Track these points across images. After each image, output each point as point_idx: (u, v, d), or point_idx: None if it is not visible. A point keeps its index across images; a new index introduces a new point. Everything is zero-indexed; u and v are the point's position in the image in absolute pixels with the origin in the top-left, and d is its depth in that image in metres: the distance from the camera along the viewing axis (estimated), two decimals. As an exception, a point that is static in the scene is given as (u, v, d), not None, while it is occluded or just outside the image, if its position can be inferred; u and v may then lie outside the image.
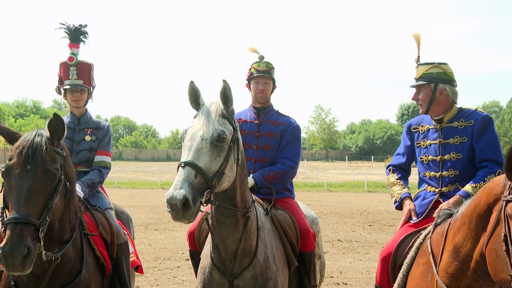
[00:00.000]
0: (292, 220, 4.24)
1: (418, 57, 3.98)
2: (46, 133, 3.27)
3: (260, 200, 4.22)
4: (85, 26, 4.62)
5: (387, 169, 4.25)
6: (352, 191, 28.24)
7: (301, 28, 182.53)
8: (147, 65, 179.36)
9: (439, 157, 3.86)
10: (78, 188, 4.04)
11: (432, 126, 3.94)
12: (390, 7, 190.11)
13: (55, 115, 3.25)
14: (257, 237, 3.76)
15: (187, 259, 9.50)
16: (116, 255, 4.05)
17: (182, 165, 3.16)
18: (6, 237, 2.91)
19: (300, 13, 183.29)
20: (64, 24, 4.57)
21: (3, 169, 3.15)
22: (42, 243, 3.02)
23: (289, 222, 4.22)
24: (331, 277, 8.63)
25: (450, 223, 3.09)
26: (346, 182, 31.81)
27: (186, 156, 3.22)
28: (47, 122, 3.31)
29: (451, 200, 3.62)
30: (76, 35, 4.57)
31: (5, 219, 3.00)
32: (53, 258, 3.29)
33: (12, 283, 3.41)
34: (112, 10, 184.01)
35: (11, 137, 3.28)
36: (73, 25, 4.58)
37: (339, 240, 12.13)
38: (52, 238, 3.35)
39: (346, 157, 65.35)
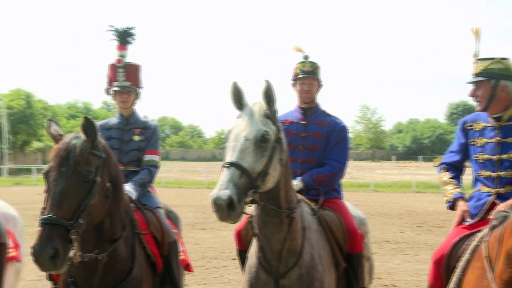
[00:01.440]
0: (339, 220, 4.18)
1: (477, 52, 3.81)
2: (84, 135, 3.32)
3: (307, 200, 4.18)
4: (133, 28, 4.69)
5: (439, 167, 4.10)
6: (399, 191, 27.69)
7: (347, 27, 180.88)
8: (193, 65, 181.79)
9: (496, 156, 3.70)
10: (130, 188, 4.12)
11: (490, 124, 3.78)
12: (438, 3, 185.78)
13: (85, 118, 3.29)
14: (303, 237, 3.73)
15: (234, 258, 9.54)
16: (166, 254, 4.09)
17: (227, 165, 3.17)
18: (37, 237, 2.99)
19: (346, 12, 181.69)
20: (112, 27, 4.65)
21: (43, 172, 3.25)
22: (75, 244, 3.04)
23: (336, 223, 4.16)
24: (380, 278, 8.48)
25: (505, 227, 2.96)
26: (393, 182, 31.24)
27: (230, 156, 3.23)
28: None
29: (510, 202, 3.46)
30: (124, 37, 4.64)
31: None
32: (100, 258, 3.38)
33: (70, 279, 3.55)
34: (159, 13, 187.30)
35: (56, 140, 3.35)
36: (121, 27, 4.66)
37: (387, 241, 11.94)
38: (103, 237, 3.44)
39: (393, 157, 64.20)
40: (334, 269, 4.02)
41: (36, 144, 48.88)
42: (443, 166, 4.06)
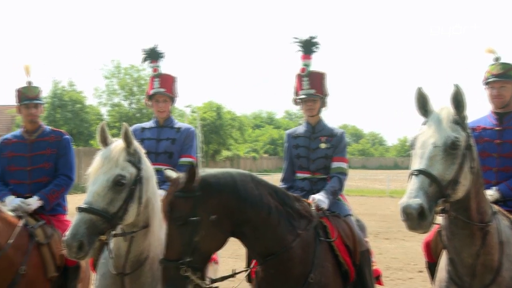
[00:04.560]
0: None
1: None
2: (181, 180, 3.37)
3: (505, 211, 3.86)
4: (316, 37, 4.76)
5: None
6: None
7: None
8: (373, 72, 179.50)
9: None
10: (321, 197, 4.18)
11: None
12: None
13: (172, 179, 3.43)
14: (500, 253, 3.45)
15: (421, 271, 9.16)
16: (358, 263, 4.07)
17: (415, 173, 3.08)
18: None
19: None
20: (297, 38, 4.77)
21: None
22: (193, 277, 3.21)
23: None
24: None
25: None
26: None
27: (418, 164, 3.13)
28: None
29: None
30: (307, 46, 4.73)
31: None
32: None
33: (256, 286, 3.77)
34: (339, 22, 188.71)
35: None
36: (305, 37, 4.75)
37: None
38: (260, 252, 3.58)
39: None
40: None
41: (225, 153, 52.46)
42: None
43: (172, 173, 3.54)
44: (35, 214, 4.55)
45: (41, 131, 4.86)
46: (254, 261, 3.89)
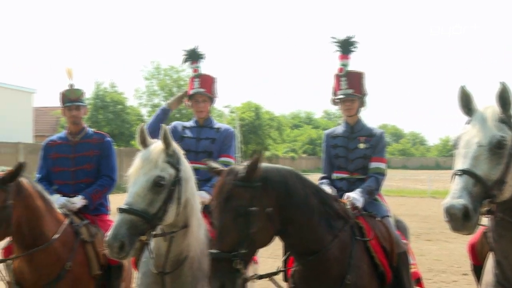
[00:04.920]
0: None
1: None
2: (242, 169, 3.29)
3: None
4: (353, 37, 4.73)
5: None
6: None
7: None
8: (413, 70, 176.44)
9: None
10: (356, 195, 4.16)
11: None
12: None
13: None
14: None
15: (465, 274, 8.94)
16: (396, 264, 4.01)
17: (459, 173, 3.00)
18: None
19: None
20: (335, 38, 4.74)
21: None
22: (244, 270, 3.13)
23: None
24: None
25: None
26: None
27: (461, 163, 3.05)
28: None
29: None
30: (345, 46, 4.70)
31: None
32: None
33: (293, 285, 3.75)
34: (379, 21, 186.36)
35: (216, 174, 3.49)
36: (342, 37, 4.72)
37: None
38: (299, 251, 3.58)
39: None
40: None
41: (264, 153, 52.53)
42: None
43: (216, 164, 3.54)
44: (80, 213, 4.68)
45: (85, 133, 4.97)
46: (291, 260, 3.88)
